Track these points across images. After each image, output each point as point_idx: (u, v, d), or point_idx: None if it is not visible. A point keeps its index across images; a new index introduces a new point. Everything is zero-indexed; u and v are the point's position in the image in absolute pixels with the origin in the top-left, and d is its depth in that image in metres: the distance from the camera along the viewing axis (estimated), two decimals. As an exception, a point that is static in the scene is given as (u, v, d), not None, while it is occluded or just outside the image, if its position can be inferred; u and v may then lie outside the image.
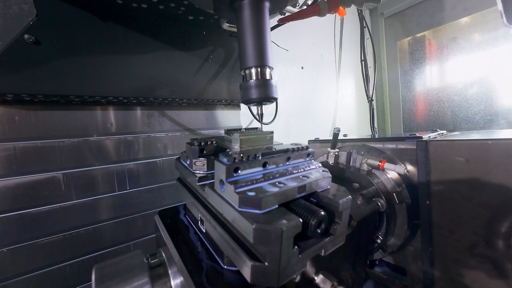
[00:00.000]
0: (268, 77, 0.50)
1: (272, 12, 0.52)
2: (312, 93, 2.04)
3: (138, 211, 1.13)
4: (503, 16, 0.77)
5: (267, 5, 0.51)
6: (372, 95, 2.36)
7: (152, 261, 0.51)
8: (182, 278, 0.43)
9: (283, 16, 0.91)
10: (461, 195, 0.77)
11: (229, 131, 0.54)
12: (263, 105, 0.53)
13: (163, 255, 0.52)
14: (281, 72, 1.77)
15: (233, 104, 1.36)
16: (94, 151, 1.05)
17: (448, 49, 2.20)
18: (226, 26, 1.03)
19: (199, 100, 1.16)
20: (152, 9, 0.90)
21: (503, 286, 0.69)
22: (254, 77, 0.49)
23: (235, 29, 1.06)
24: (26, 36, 0.74)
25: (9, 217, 0.88)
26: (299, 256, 0.40)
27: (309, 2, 0.93)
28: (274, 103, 1.37)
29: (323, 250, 0.44)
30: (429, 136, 0.92)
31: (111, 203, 1.07)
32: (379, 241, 0.88)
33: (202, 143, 0.50)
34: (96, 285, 0.44)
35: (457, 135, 0.96)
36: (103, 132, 1.06)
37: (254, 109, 1.39)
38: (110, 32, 0.90)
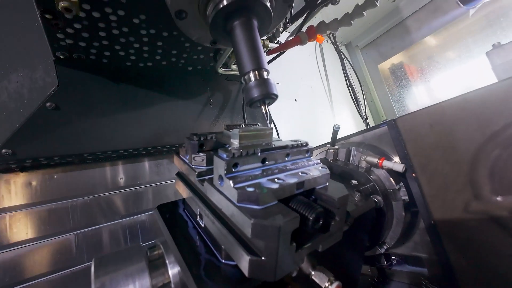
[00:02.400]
0: (266, 76, 0.52)
1: (260, 31, 0.57)
2: (310, 122, 2.16)
3: None
4: (459, 2, 0.85)
5: (255, 23, 0.55)
6: (366, 114, 2.53)
7: (151, 254, 0.51)
8: (180, 271, 0.42)
9: (271, 49, 1.03)
10: (437, 159, 0.80)
11: (229, 127, 0.54)
12: (266, 104, 0.54)
13: (162, 248, 0.52)
14: (276, 106, 1.85)
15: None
16: (106, 207, 1.09)
17: (427, 67, 2.34)
18: (221, 70, 1.12)
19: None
20: (157, 66, 1.00)
21: (506, 236, 0.69)
22: (253, 79, 0.51)
23: (230, 72, 1.16)
24: (47, 104, 0.83)
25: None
26: (296, 251, 0.40)
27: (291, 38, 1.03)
28: (275, 134, 1.43)
29: (320, 246, 0.44)
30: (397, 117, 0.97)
31: None
32: (376, 237, 0.88)
33: (202, 138, 0.50)
34: (95, 274, 0.44)
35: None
36: (114, 186, 1.12)
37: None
38: (120, 91, 0.99)
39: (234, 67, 1.12)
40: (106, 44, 0.81)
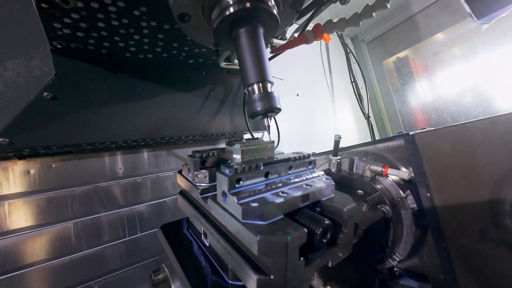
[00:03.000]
0: (269, 90, 0.51)
1: (265, 37, 0.56)
2: (311, 118, 2.13)
3: (148, 257, 1.12)
4: (473, 16, 0.81)
5: (261, 31, 0.54)
6: (368, 112, 2.48)
7: (155, 278, 0.51)
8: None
9: (275, 47, 1.00)
10: (456, 180, 0.77)
11: (230, 142, 0.54)
12: (268, 117, 0.54)
13: (166, 270, 0.52)
14: None
15: (236, 136, 1.42)
16: (104, 196, 1.09)
17: (432, 64, 2.29)
18: (223, 64, 1.09)
19: (203, 135, 1.22)
20: (157, 58, 0.97)
21: None
22: (256, 92, 0.50)
23: (232, 67, 1.13)
24: (45, 93, 0.81)
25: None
26: (306, 267, 0.39)
27: (296, 35, 1.01)
28: (276, 130, 1.41)
29: (330, 261, 0.43)
30: (415, 132, 0.94)
31: (123, 250, 1.08)
32: (387, 249, 0.87)
33: (204, 155, 0.50)
34: None
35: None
36: (113, 176, 1.12)
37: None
38: (120, 82, 0.97)
39: (236, 61, 1.09)
40: (105, 35, 0.78)
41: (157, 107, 1.05)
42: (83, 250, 1.00)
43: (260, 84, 0.50)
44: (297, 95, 2.04)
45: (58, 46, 0.79)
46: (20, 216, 0.93)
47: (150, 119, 1.04)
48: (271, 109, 0.50)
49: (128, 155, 1.16)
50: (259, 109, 0.50)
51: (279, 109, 0.52)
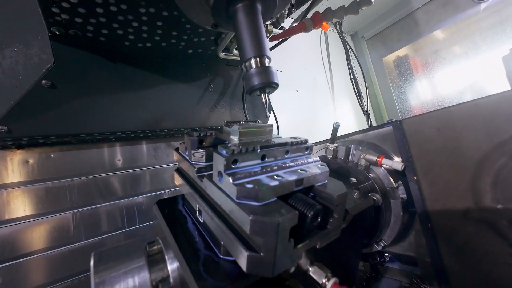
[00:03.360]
0: (267, 64, 0.50)
1: (263, 16, 0.55)
2: (311, 113, 2.12)
3: None
4: None
5: (259, 7, 0.53)
6: (368, 109, 2.47)
7: (150, 249, 0.52)
8: (179, 266, 0.43)
9: (274, 35, 1.00)
10: (441, 163, 0.80)
11: (229, 123, 0.54)
12: (266, 93, 0.53)
13: (161, 243, 0.53)
14: (277, 95, 1.83)
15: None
16: (103, 187, 1.09)
17: (432, 61, 2.28)
18: (222, 55, 1.08)
19: (203, 127, 1.21)
20: (156, 47, 0.96)
21: (503, 244, 0.71)
22: (254, 66, 0.49)
23: (231, 57, 1.12)
24: (43, 81, 0.81)
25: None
26: (295, 248, 0.40)
27: (295, 24, 1.00)
28: (275, 125, 1.41)
29: (318, 243, 0.45)
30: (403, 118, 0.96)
31: (123, 240, 1.09)
32: (374, 235, 0.89)
33: (201, 134, 0.50)
34: (95, 269, 0.45)
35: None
36: (112, 168, 1.12)
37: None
38: (118, 72, 0.96)
39: (235, 52, 1.09)
40: (104, 21, 0.77)
41: (156, 98, 1.05)
42: (81, 240, 1.00)
43: (258, 59, 0.50)
44: (297, 90, 2.04)
45: (57, 33, 0.78)
46: (18, 206, 0.93)
47: (149, 110, 1.04)
48: (269, 84, 0.50)
49: (127, 147, 1.16)
50: (256, 83, 0.49)
51: (277, 84, 0.51)
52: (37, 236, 0.94)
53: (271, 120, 1.54)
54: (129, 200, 1.12)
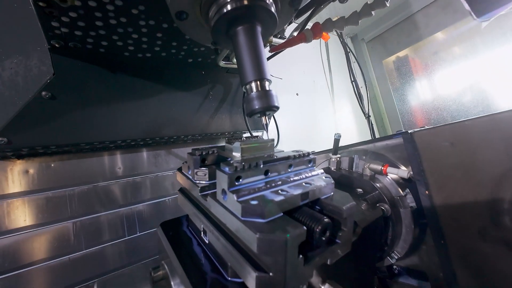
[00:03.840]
0: (267, 88, 0.51)
1: (263, 36, 0.55)
2: (311, 117, 2.13)
3: (147, 256, 1.13)
4: (472, 14, 0.81)
5: (259, 29, 0.53)
6: (369, 112, 2.47)
7: (155, 274, 0.51)
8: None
9: (274, 46, 0.99)
10: (456, 179, 0.77)
11: (230, 140, 0.54)
12: (266, 115, 0.53)
13: (166, 268, 0.52)
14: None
15: (236, 135, 1.41)
16: (103, 196, 1.09)
17: (432, 63, 2.28)
18: (222, 63, 1.08)
19: (203, 135, 1.22)
20: (156, 57, 0.96)
21: None
22: (254, 90, 0.50)
23: (231, 66, 1.12)
24: (43, 93, 0.81)
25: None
26: (305, 265, 0.39)
27: (295, 34, 1.01)
28: (275, 130, 1.41)
29: (329, 259, 0.43)
30: (414, 130, 0.93)
31: (123, 249, 1.08)
32: (386, 247, 0.87)
33: (203, 153, 0.50)
34: None
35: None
36: (112, 176, 1.12)
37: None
38: (118, 82, 0.97)
39: (235, 60, 1.09)
40: (103, 34, 0.77)
41: (156, 106, 1.05)
42: (82, 249, 1.00)
43: (258, 82, 0.50)
44: (297, 94, 2.04)
45: (56, 45, 0.78)
46: (19, 216, 0.93)
47: (149, 118, 1.04)
48: (269, 108, 0.50)
49: (127, 155, 1.16)
50: (256, 107, 0.50)
51: (277, 107, 0.51)
52: (38, 246, 0.94)
53: (271, 124, 1.54)
54: (130, 208, 1.12)
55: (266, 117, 0.55)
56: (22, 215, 0.93)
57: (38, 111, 0.82)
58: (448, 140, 0.78)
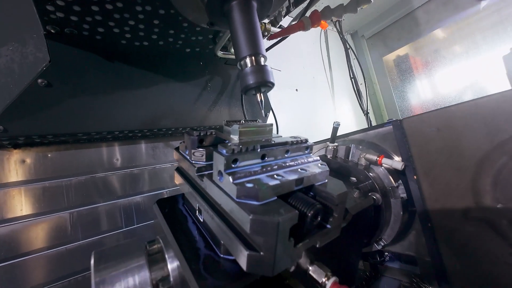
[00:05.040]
0: (263, 63, 0.50)
1: (259, 15, 0.54)
2: (310, 113, 2.12)
3: None
4: None
5: (254, 4, 0.53)
6: (367, 109, 2.47)
7: (150, 248, 0.52)
8: (179, 265, 0.43)
9: (272, 34, 0.99)
10: (441, 163, 0.80)
11: (229, 122, 0.53)
12: (262, 92, 0.53)
13: (161, 242, 0.53)
14: (276, 95, 1.82)
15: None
16: (101, 187, 1.08)
17: (433, 61, 2.28)
18: (220, 54, 1.08)
19: (201, 127, 1.20)
20: (153, 46, 0.95)
21: (503, 243, 0.71)
22: (249, 65, 0.49)
23: (229, 56, 1.12)
24: (39, 80, 0.80)
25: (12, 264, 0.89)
26: (295, 247, 0.40)
27: (294, 23, 0.99)
28: (275, 125, 1.40)
29: (318, 242, 0.45)
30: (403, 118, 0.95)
31: (121, 240, 1.08)
32: (374, 234, 0.89)
33: (201, 133, 0.50)
34: (95, 268, 0.45)
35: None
36: (109, 167, 1.11)
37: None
38: (115, 71, 0.95)
39: (233, 51, 1.08)
40: (99, 19, 0.77)
41: (154, 97, 1.04)
42: (79, 240, 1.00)
43: (253, 57, 0.50)
44: (296, 90, 2.04)
45: (52, 31, 0.77)
46: (15, 205, 0.92)
47: (147, 109, 1.03)
48: (264, 83, 0.50)
49: (125, 146, 1.15)
50: (251, 82, 0.49)
51: (272, 83, 0.51)
52: (34, 236, 0.93)
53: (270, 120, 1.54)
54: (127, 199, 1.12)
55: (261, 94, 0.53)
56: (18, 205, 0.93)
57: (35, 99, 0.81)
58: (435, 126, 0.80)
